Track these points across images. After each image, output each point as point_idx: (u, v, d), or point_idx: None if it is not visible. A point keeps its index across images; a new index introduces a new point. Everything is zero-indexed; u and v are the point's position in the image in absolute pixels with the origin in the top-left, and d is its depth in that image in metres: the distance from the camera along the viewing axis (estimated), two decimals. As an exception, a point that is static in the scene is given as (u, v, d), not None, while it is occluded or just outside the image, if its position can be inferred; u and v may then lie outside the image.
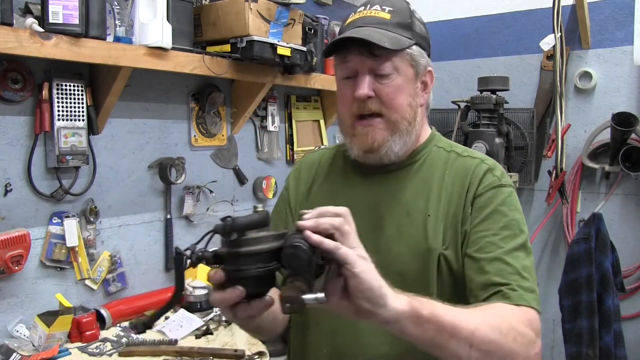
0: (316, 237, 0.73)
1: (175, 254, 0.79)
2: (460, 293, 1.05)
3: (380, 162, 1.09)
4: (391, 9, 1.06)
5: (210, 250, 0.78)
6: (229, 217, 0.75)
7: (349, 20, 1.09)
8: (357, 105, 1.05)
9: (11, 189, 1.62)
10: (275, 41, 2.01)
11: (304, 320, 1.14)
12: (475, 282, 0.99)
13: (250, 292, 0.76)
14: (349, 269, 0.73)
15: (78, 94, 1.69)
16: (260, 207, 0.75)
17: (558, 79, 2.70)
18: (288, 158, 2.64)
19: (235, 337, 1.74)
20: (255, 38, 1.93)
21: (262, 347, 1.67)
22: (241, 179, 2.38)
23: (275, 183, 2.48)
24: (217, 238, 0.79)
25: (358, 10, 1.09)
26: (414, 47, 1.06)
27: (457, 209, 1.05)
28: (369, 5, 1.08)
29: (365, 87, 1.03)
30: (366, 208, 1.10)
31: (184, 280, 0.86)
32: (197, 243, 0.80)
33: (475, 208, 1.04)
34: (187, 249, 0.78)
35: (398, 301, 0.77)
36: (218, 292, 0.77)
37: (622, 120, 2.57)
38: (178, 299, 0.85)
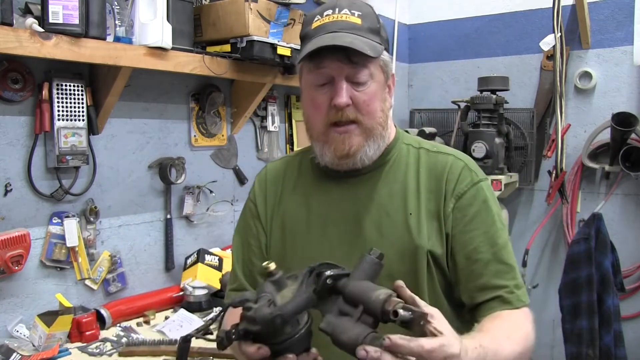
0: None
1: (183, 341, 0.78)
2: (450, 289, 1.06)
3: (352, 167, 1.09)
4: (360, 13, 1.04)
5: (241, 329, 0.76)
6: (279, 315, 0.72)
7: (317, 23, 1.04)
8: (334, 113, 1.03)
9: (11, 189, 1.62)
10: (275, 41, 2.01)
11: None
12: (473, 283, 1.01)
13: (299, 352, 0.76)
14: None
15: (78, 94, 1.69)
16: (272, 267, 0.72)
17: (558, 79, 2.70)
18: (288, 158, 2.64)
19: (235, 337, 1.73)
20: (255, 38, 1.93)
21: (262, 347, 1.67)
22: (241, 179, 2.38)
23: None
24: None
25: (325, 13, 1.05)
26: (385, 52, 1.06)
27: (437, 205, 1.06)
28: (337, 9, 1.04)
29: (344, 95, 1.01)
30: (343, 213, 1.10)
31: None
32: (212, 322, 0.81)
33: (459, 208, 1.05)
34: (196, 331, 0.79)
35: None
36: None
37: (622, 120, 2.58)
38: None
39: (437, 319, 0.75)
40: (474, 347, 0.81)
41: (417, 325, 0.72)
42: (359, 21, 1.03)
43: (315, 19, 1.06)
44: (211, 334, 1.77)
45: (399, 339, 0.70)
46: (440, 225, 1.05)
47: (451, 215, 1.04)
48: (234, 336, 0.76)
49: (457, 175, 1.07)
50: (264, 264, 0.79)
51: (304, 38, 1.07)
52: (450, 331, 0.75)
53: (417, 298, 0.77)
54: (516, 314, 0.99)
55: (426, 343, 0.70)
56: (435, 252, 1.04)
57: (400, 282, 0.78)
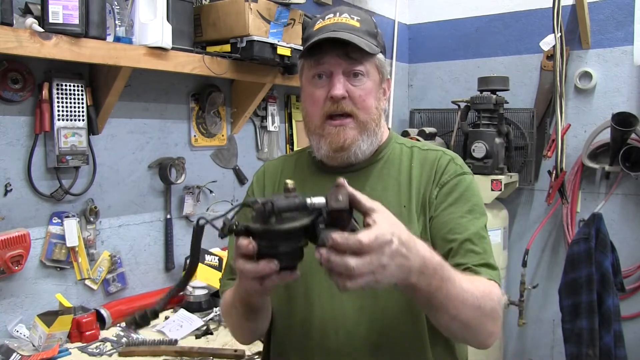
0: None
1: (197, 224, 0.84)
2: None
3: (347, 162, 1.13)
4: (359, 18, 1.12)
5: (242, 224, 0.81)
6: (270, 201, 0.77)
7: (319, 25, 1.12)
8: (330, 105, 1.08)
9: (11, 189, 1.62)
10: (275, 41, 2.01)
11: (286, 324, 1.16)
12: (448, 263, 1.05)
13: (283, 266, 0.80)
14: None
15: (78, 94, 1.69)
16: (290, 184, 0.78)
17: (558, 79, 2.70)
18: (288, 158, 2.64)
19: (235, 337, 1.73)
20: (255, 38, 1.93)
21: (261, 347, 1.67)
22: (241, 179, 2.38)
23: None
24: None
25: (327, 17, 1.13)
26: (380, 54, 1.13)
27: (424, 196, 1.12)
28: (337, 13, 1.12)
29: (341, 87, 1.07)
30: None
31: (199, 253, 0.86)
32: (225, 214, 0.84)
33: (441, 194, 1.11)
34: (211, 219, 0.84)
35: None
36: (250, 263, 0.81)
37: (622, 120, 2.58)
38: (191, 275, 0.89)
39: (377, 211, 0.78)
40: (430, 250, 0.84)
41: (345, 221, 0.78)
42: (357, 24, 1.10)
43: (318, 22, 1.13)
44: (211, 334, 1.78)
45: (338, 237, 0.72)
46: (426, 212, 1.11)
47: (434, 202, 1.10)
48: (235, 227, 0.81)
49: (444, 167, 1.13)
50: (286, 180, 0.83)
51: (307, 38, 1.13)
52: (385, 221, 0.77)
53: (357, 194, 0.79)
54: (484, 279, 1.01)
55: (363, 236, 0.73)
56: (426, 240, 1.08)
57: (341, 180, 0.81)
